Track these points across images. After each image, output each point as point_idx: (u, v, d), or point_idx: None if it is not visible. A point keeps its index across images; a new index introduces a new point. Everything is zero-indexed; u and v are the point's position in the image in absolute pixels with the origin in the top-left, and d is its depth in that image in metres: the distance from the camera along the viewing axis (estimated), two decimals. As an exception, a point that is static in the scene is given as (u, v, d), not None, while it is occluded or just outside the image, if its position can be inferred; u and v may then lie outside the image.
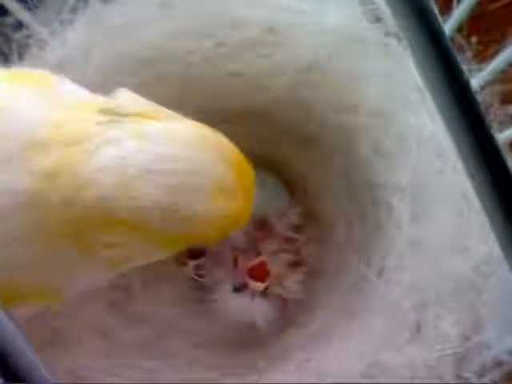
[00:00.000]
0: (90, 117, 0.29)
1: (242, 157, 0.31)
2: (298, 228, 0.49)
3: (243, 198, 0.30)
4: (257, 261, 0.46)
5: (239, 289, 0.47)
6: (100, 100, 0.30)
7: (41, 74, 0.32)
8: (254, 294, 0.47)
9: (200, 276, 0.47)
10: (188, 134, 0.29)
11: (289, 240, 0.49)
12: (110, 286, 0.42)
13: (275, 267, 0.47)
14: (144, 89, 0.43)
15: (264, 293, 0.47)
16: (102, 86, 0.41)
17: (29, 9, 0.42)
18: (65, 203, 0.27)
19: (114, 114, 0.29)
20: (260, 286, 0.46)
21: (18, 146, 0.28)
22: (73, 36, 0.41)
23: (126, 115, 0.29)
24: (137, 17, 0.42)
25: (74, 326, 0.41)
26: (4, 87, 0.30)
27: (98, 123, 0.28)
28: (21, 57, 0.41)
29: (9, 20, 0.42)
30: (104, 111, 0.29)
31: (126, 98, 0.30)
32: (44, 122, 0.28)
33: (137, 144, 0.28)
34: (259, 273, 0.46)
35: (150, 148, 0.28)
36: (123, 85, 0.42)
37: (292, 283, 0.48)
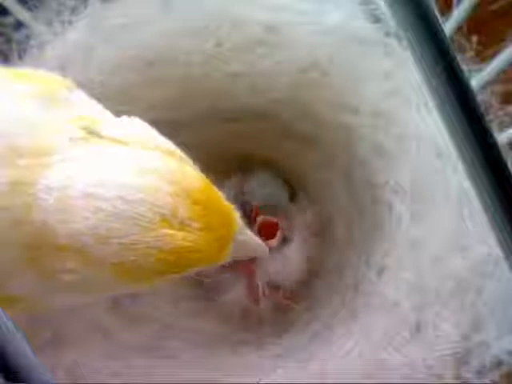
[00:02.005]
0: (66, 130, 0.27)
1: (213, 194, 0.29)
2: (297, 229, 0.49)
3: (202, 233, 0.27)
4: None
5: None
6: (97, 116, 0.29)
7: (54, 79, 0.32)
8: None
9: (200, 275, 0.47)
10: (151, 164, 0.27)
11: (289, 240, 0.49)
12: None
13: (276, 266, 0.48)
14: (144, 89, 0.43)
15: (286, 241, 0.47)
16: (102, 85, 0.42)
17: (29, 9, 0.42)
18: (17, 222, 0.26)
19: (94, 133, 0.27)
20: (271, 242, 0.46)
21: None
22: (73, 36, 0.41)
23: (103, 137, 0.28)
24: (137, 17, 0.42)
25: (74, 326, 0.41)
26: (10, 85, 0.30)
27: (71, 139, 0.27)
28: (21, 57, 0.41)
29: (9, 20, 0.42)
30: (87, 128, 0.28)
31: (127, 124, 0.29)
32: (26, 126, 0.27)
33: (90, 167, 0.26)
34: (267, 229, 0.47)
35: (100, 171, 0.26)
36: (123, 85, 0.42)
37: (291, 281, 0.48)
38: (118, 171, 0.26)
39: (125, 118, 0.30)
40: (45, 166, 0.26)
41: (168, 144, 0.29)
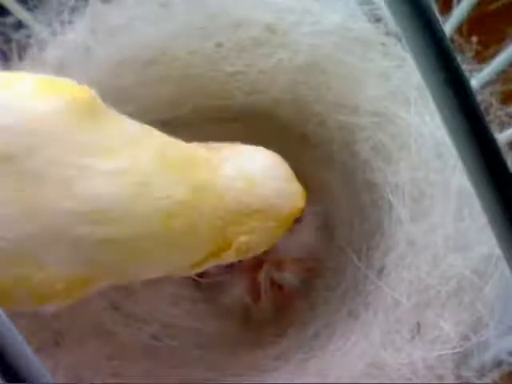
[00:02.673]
0: (196, 147, 0.35)
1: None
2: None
3: None
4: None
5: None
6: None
7: (77, 86, 0.33)
8: None
9: (200, 276, 0.47)
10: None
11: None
12: (111, 286, 0.42)
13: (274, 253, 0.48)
14: (144, 89, 0.43)
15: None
16: (102, 85, 0.42)
17: (29, 9, 0.42)
18: (213, 210, 0.33)
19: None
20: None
21: None
22: (73, 36, 0.41)
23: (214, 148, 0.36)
24: (137, 17, 0.42)
25: (74, 326, 0.41)
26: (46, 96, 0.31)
27: (205, 149, 0.35)
28: (21, 57, 0.41)
29: (9, 20, 0.42)
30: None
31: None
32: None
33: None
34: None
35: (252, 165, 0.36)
36: (123, 85, 0.42)
37: (291, 281, 0.48)
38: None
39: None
40: (213, 168, 0.34)
41: None
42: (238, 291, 0.47)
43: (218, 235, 0.34)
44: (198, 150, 0.35)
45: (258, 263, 0.47)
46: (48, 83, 0.32)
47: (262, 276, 0.47)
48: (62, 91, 0.31)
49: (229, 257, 0.35)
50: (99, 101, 0.32)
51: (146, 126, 0.34)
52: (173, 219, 0.32)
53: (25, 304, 0.31)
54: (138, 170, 0.31)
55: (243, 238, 0.35)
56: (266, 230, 0.36)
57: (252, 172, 0.36)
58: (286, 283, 0.48)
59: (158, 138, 0.34)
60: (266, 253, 0.47)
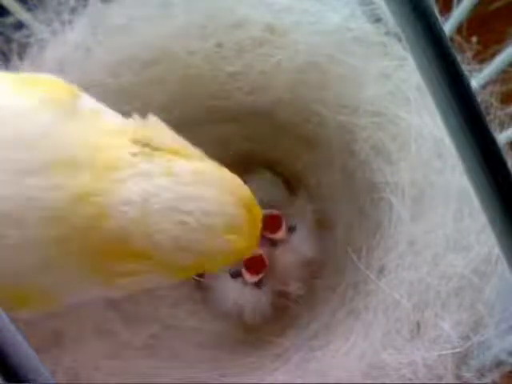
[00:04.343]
0: (123, 145, 0.30)
1: (253, 198, 0.33)
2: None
3: (250, 236, 0.32)
4: (254, 252, 0.46)
5: (235, 275, 0.47)
6: (130, 125, 0.31)
7: (58, 83, 0.32)
8: (246, 283, 0.47)
9: (200, 276, 0.47)
10: (211, 176, 0.32)
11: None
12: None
13: (276, 265, 0.48)
14: (144, 89, 0.43)
15: (259, 285, 0.47)
16: (102, 85, 0.42)
17: (29, 9, 0.42)
18: (86, 228, 0.28)
19: (147, 147, 0.30)
20: (252, 277, 0.46)
21: (43, 160, 0.29)
22: (73, 36, 0.41)
23: (156, 149, 0.30)
24: (137, 17, 0.42)
25: (74, 326, 0.41)
26: (21, 94, 0.30)
27: (132, 154, 0.30)
28: (21, 57, 0.41)
29: (9, 20, 0.42)
30: (136, 141, 0.30)
31: (155, 128, 0.32)
32: (81, 143, 0.29)
33: (166, 181, 0.30)
34: (255, 264, 0.46)
35: (177, 187, 0.30)
36: (123, 85, 0.42)
37: (292, 281, 0.48)
38: (192, 186, 0.30)
39: (149, 118, 0.32)
40: (117, 180, 0.29)
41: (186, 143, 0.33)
42: (238, 291, 0.47)
43: (89, 260, 0.29)
44: (120, 150, 0.30)
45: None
46: (27, 82, 0.31)
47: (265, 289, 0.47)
48: (41, 89, 0.31)
49: (105, 289, 0.31)
50: (79, 99, 0.31)
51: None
52: (49, 228, 0.28)
53: None
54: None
55: (122, 280, 0.30)
56: (151, 277, 0.31)
57: (162, 200, 0.29)
58: (290, 293, 0.48)
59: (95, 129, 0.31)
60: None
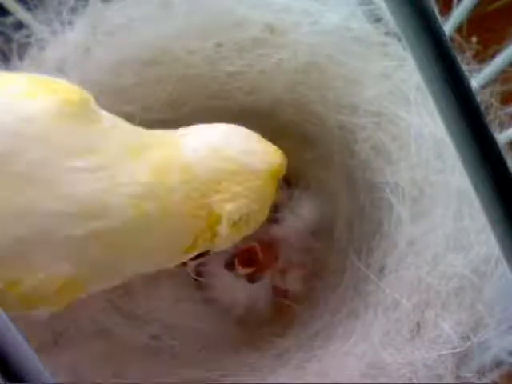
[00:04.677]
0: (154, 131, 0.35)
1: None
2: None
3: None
4: (248, 245, 0.46)
5: (229, 265, 0.47)
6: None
7: (77, 91, 0.33)
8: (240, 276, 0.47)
9: (200, 276, 0.47)
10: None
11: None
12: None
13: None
14: (144, 89, 0.43)
15: (253, 279, 0.47)
16: (102, 85, 0.42)
17: (29, 9, 0.42)
18: (183, 184, 0.33)
19: None
20: (243, 270, 0.46)
21: None
22: (73, 36, 0.41)
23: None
24: (137, 17, 0.42)
25: (74, 326, 0.41)
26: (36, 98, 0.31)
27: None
28: (21, 57, 0.41)
29: (9, 20, 0.42)
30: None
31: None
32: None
33: None
34: (247, 258, 0.46)
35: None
36: (123, 85, 0.42)
37: (292, 281, 0.48)
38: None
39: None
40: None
41: None
42: (237, 291, 0.47)
43: (198, 209, 0.33)
44: (154, 132, 0.34)
45: (261, 268, 0.47)
46: (40, 84, 0.32)
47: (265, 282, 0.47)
48: (54, 93, 0.31)
49: (224, 233, 0.34)
50: (91, 103, 0.32)
51: (113, 117, 0.34)
52: (143, 203, 0.31)
53: (16, 308, 0.30)
54: (108, 164, 0.31)
55: (229, 206, 0.34)
56: (251, 191, 0.35)
57: (214, 139, 0.35)
58: (289, 288, 0.48)
59: (121, 128, 0.33)
60: (269, 259, 0.47)
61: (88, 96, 0.32)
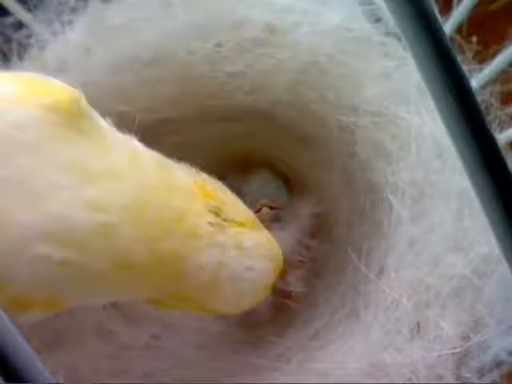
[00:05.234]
0: (202, 214, 0.33)
1: (282, 258, 0.40)
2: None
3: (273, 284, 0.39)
4: None
5: None
6: (195, 184, 0.34)
7: (66, 92, 0.31)
8: None
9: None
10: (268, 248, 0.38)
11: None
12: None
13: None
14: (144, 89, 0.43)
15: None
16: (102, 85, 0.42)
17: (29, 9, 0.42)
18: (161, 284, 0.33)
19: (219, 217, 0.34)
20: None
21: None
22: (73, 36, 0.41)
23: (225, 220, 0.35)
24: (137, 17, 0.42)
25: (74, 326, 0.41)
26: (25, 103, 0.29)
27: (210, 224, 0.34)
28: (21, 57, 0.41)
29: (9, 20, 0.42)
30: (211, 209, 0.34)
31: (220, 194, 0.36)
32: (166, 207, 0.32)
33: (236, 254, 0.35)
34: None
35: (244, 260, 0.35)
36: (123, 85, 0.42)
37: (292, 281, 0.48)
38: (253, 259, 0.36)
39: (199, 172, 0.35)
40: (196, 248, 0.33)
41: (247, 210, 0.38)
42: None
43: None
44: (199, 218, 0.33)
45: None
46: (31, 89, 0.30)
47: None
48: (45, 98, 0.29)
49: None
50: (82, 106, 0.31)
51: (133, 148, 0.32)
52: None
53: (9, 310, 0.29)
54: (90, 183, 0.29)
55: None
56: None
57: (232, 270, 0.35)
58: (289, 288, 0.48)
59: (142, 171, 0.32)
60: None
61: (79, 97, 0.31)
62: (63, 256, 0.28)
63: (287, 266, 0.48)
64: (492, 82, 0.40)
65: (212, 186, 0.36)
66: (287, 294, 0.48)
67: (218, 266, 0.34)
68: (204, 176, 0.36)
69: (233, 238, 0.35)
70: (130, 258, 0.30)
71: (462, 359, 0.35)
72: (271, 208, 0.49)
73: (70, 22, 0.41)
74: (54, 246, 0.28)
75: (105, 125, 0.32)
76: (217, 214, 0.34)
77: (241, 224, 0.35)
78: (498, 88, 0.40)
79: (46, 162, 0.28)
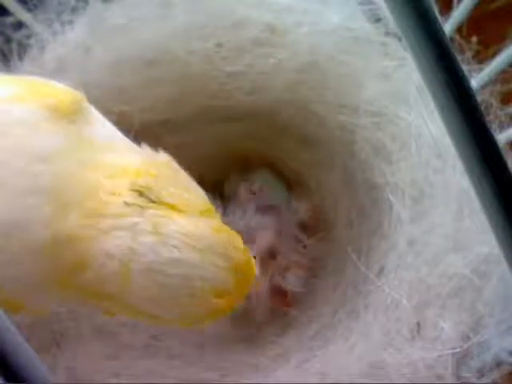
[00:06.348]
0: (119, 190, 0.29)
1: (248, 260, 0.32)
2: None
3: (238, 297, 0.31)
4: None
5: None
6: (135, 163, 0.30)
7: (68, 94, 0.31)
8: None
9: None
10: (202, 239, 0.30)
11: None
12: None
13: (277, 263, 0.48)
14: (144, 89, 0.43)
15: None
16: (102, 85, 0.42)
17: (29, 9, 0.42)
18: (65, 272, 0.28)
19: (143, 196, 0.29)
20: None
21: (40, 185, 0.28)
22: (73, 36, 0.41)
23: (154, 202, 0.29)
24: (137, 17, 0.42)
25: (74, 326, 0.41)
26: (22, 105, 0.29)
27: (125, 203, 0.29)
28: (21, 57, 0.41)
29: (9, 20, 0.42)
30: (134, 188, 0.29)
31: (160, 173, 0.30)
32: (78, 178, 0.28)
33: (151, 241, 0.28)
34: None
35: (163, 249, 0.29)
36: (123, 85, 0.42)
37: (292, 281, 0.48)
38: (177, 250, 0.29)
39: (160, 153, 0.31)
40: (101, 230, 0.28)
41: (204, 197, 0.31)
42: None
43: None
44: (113, 196, 0.29)
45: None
46: (34, 90, 0.30)
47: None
48: (43, 99, 0.30)
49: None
50: (83, 106, 0.31)
51: (105, 122, 0.31)
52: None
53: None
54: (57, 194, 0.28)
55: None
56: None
57: (143, 261, 0.29)
58: (289, 288, 0.48)
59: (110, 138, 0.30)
60: (270, 258, 0.47)
61: (81, 99, 0.31)
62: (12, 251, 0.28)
63: (287, 266, 0.48)
64: (492, 82, 0.40)
65: (167, 169, 0.31)
66: (286, 294, 0.48)
67: (130, 253, 0.28)
68: (166, 159, 0.31)
69: (149, 219, 0.29)
70: (33, 238, 0.28)
71: (461, 359, 0.35)
72: (251, 192, 0.49)
73: (70, 22, 0.41)
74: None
75: (107, 125, 0.32)
76: (141, 194, 0.29)
77: (171, 207, 0.29)
78: (497, 88, 0.40)
79: (53, 171, 0.28)
